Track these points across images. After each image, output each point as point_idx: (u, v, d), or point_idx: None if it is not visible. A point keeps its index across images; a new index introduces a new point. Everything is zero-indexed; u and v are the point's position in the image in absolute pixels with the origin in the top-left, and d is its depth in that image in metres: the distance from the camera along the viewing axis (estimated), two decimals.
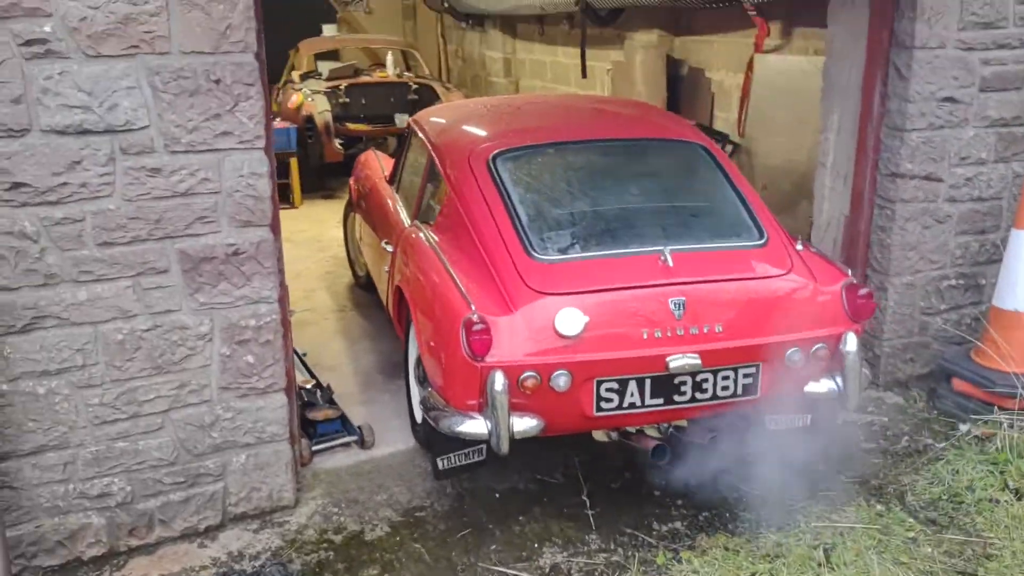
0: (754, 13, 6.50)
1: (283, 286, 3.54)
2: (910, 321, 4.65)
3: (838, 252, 4.82)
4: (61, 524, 3.30)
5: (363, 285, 6.22)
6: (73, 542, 3.33)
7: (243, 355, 3.40)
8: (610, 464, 4.02)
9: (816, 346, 3.55)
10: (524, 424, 3.36)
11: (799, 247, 3.82)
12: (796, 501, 3.71)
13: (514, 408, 3.33)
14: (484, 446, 3.59)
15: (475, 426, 3.35)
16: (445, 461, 3.60)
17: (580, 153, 4.13)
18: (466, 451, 3.62)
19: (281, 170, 9.37)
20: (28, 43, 2.83)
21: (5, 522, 3.18)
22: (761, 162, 6.77)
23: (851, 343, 3.58)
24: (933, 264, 4.60)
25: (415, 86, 10.11)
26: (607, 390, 3.41)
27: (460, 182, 3.93)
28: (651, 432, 3.74)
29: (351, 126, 9.72)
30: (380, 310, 5.37)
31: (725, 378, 3.50)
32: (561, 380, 3.32)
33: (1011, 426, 3.94)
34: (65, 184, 2.98)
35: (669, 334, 3.40)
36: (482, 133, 4.33)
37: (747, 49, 6.89)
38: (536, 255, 3.54)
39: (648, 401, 3.46)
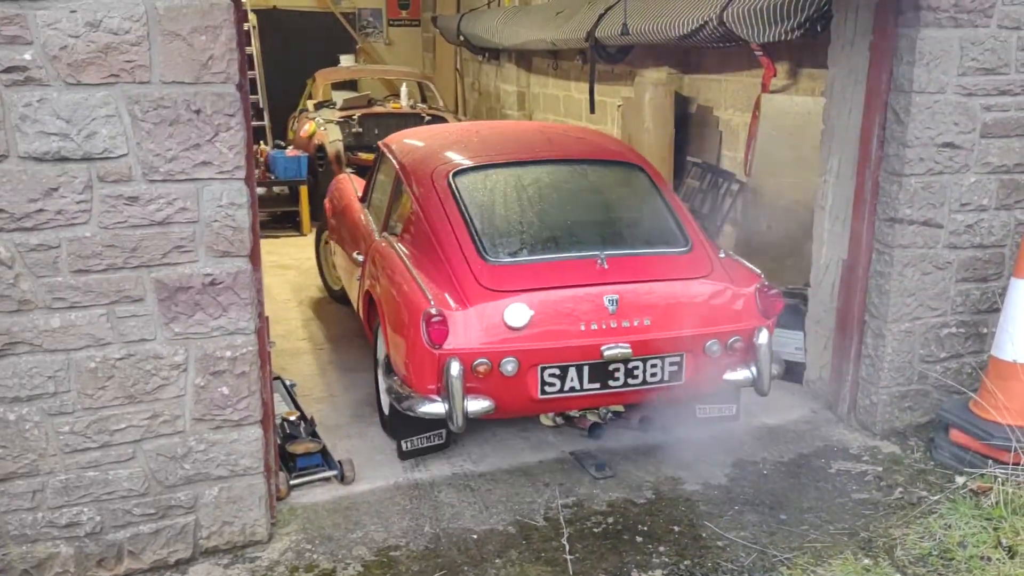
0: (760, 53, 6.47)
1: (262, 317, 3.52)
2: (909, 369, 4.55)
3: (836, 296, 4.74)
4: (29, 552, 3.26)
5: (336, 297, 6.67)
6: (40, 571, 3.28)
7: (218, 386, 3.36)
8: (594, 508, 3.93)
9: (732, 339, 4.07)
10: (477, 405, 3.82)
11: (721, 255, 4.39)
12: (781, 551, 3.61)
13: (469, 391, 3.79)
14: (444, 431, 4.21)
15: (435, 407, 3.81)
16: (408, 443, 4.22)
17: (530, 171, 4.59)
18: (427, 435, 4.21)
19: (292, 198, 9.42)
20: (8, 70, 2.83)
21: None
22: (767, 202, 6.70)
23: (763, 337, 4.11)
24: (933, 311, 4.50)
25: (428, 117, 10.15)
26: (550, 375, 3.89)
27: (423, 196, 4.42)
28: (592, 416, 4.32)
29: (363, 155, 9.75)
30: None
31: (653, 366, 3.98)
32: (509, 366, 3.80)
33: (1006, 481, 3.82)
34: (41, 211, 2.97)
35: (604, 327, 3.89)
36: (444, 154, 4.75)
37: (755, 89, 6.86)
38: (488, 258, 4.04)
39: (586, 386, 3.94)
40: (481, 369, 3.79)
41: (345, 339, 5.97)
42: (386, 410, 4.47)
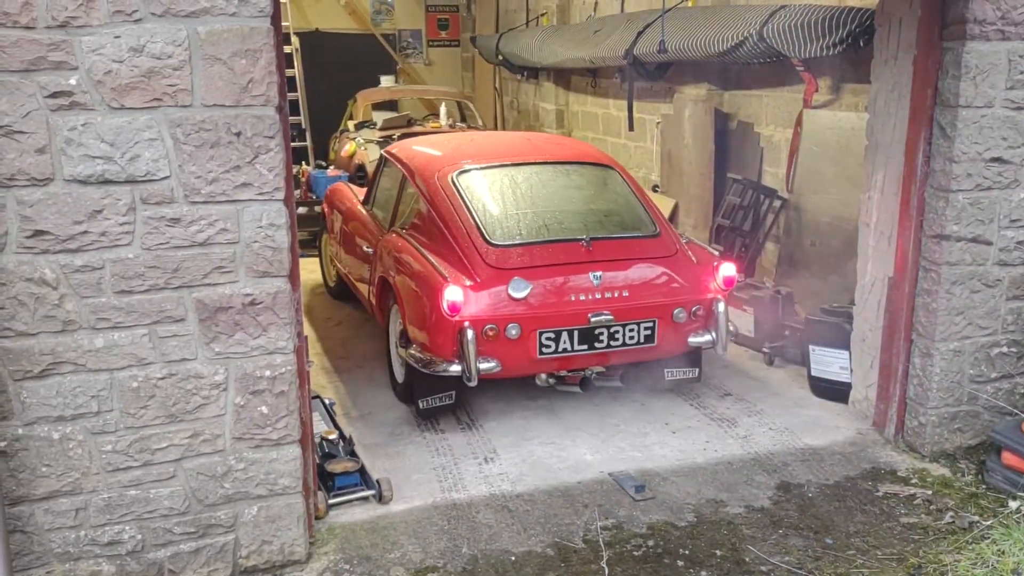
0: (802, 69, 6.39)
1: (301, 336, 3.53)
2: (958, 389, 4.43)
3: (881, 314, 4.64)
4: (71, 571, 3.29)
5: (333, 294, 7.32)
6: None
7: (257, 405, 3.38)
8: (634, 531, 3.87)
9: (695, 307, 4.82)
10: (487, 365, 4.49)
11: (684, 240, 5.22)
12: None
13: (480, 354, 4.46)
14: (453, 392, 4.84)
15: (454, 368, 4.50)
16: (424, 403, 4.84)
17: (521, 171, 5.29)
18: (439, 395, 4.84)
19: None
20: (54, 95, 2.90)
21: (16, 567, 3.19)
22: (810, 218, 6.60)
23: (720, 306, 4.84)
24: (982, 330, 4.39)
25: None
26: (546, 338, 4.58)
27: (432, 194, 5.10)
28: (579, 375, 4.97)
29: None
30: None
31: (631, 330, 4.69)
32: (513, 331, 4.51)
33: None
34: (86, 232, 3.03)
35: (590, 297, 4.63)
36: (445, 158, 5.45)
37: (796, 104, 6.77)
38: (492, 242, 4.74)
39: (576, 347, 4.64)
40: (490, 333, 4.48)
41: (383, 357, 5.97)
42: (399, 379, 5.21)
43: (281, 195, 3.23)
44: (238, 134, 3.11)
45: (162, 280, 3.15)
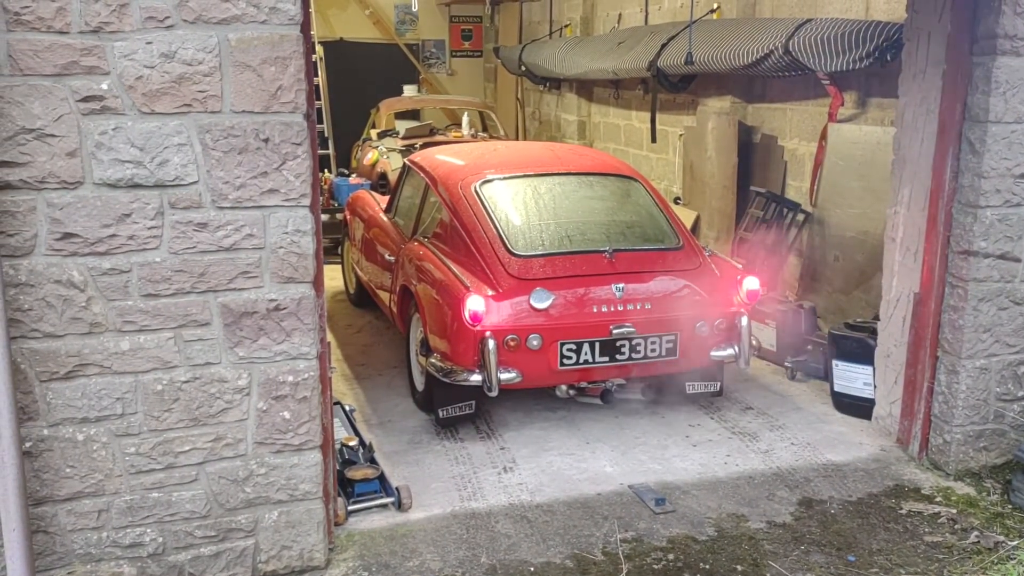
0: (828, 82, 6.36)
1: (323, 343, 3.54)
2: (984, 407, 4.38)
3: (907, 330, 4.60)
4: (93, 572, 3.31)
5: (353, 301, 7.37)
6: None
7: (280, 411, 3.39)
8: (654, 544, 3.85)
9: (717, 321, 4.80)
10: (507, 375, 4.49)
11: (707, 252, 5.21)
12: None
13: (501, 364, 4.46)
14: (473, 401, 4.84)
15: (474, 378, 4.49)
16: (444, 411, 4.86)
17: (544, 181, 5.30)
18: (459, 404, 4.85)
19: None
20: (85, 99, 2.93)
21: (38, 567, 3.21)
22: (834, 233, 6.56)
23: (743, 320, 4.83)
24: (1010, 348, 4.34)
25: None
26: (568, 350, 4.58)
27: (455, 203, 5.12)
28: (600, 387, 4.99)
29: None
30: None
31: (653, 343, 4.69)
32: (535, 341, 4.50)
33: None
34: (114, 236, 3.05)
35: (612, 309, 4.63)
36: (470, 167, 5.48)
37: (821, 118, 6.74)
38: (515, 252, 4.76)
39: (597, 359, 4.63)
40: (511, 344, 4.47)
41: (403, 365, 5.97)
42: (419, 387, 5.18)
43: (307, 201, 3.24)
44: (266, 140, 3.13)
45: (188, 284, 3.17)
